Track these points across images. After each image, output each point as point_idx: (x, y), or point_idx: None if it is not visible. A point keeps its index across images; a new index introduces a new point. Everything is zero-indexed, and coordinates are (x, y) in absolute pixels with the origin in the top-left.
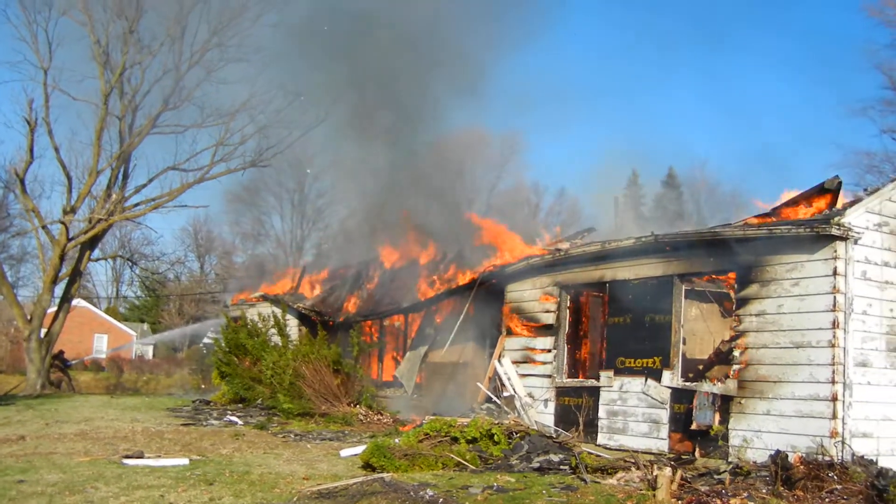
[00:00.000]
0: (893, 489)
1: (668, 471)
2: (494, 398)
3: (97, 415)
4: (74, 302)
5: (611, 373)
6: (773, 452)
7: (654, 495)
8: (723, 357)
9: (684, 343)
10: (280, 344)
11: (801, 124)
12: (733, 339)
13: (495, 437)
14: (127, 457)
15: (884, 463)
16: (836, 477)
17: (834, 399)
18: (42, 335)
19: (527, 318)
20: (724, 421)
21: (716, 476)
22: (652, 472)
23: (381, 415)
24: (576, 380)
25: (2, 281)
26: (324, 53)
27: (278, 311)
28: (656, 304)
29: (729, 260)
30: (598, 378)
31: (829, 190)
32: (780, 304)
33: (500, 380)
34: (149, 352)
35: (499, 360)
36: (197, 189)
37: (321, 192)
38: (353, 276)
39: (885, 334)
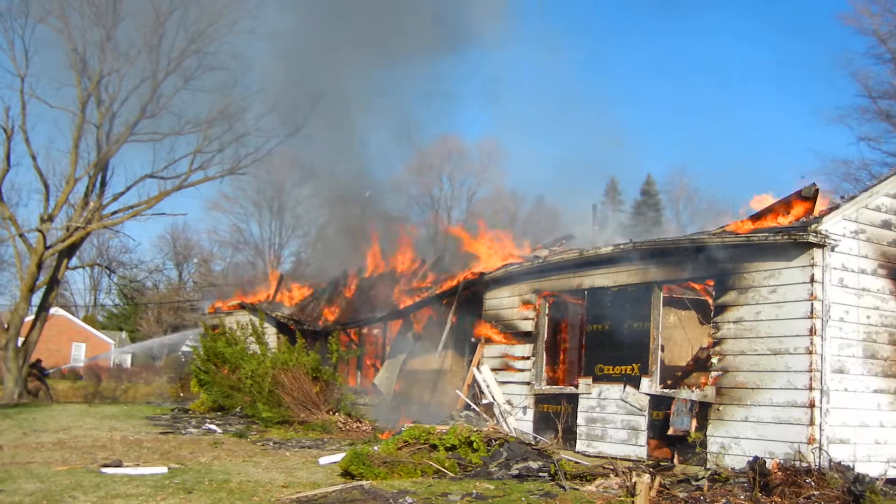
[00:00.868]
0: (870, 495)
1: (646, 477)
2: (473, 405)
3: (75, 423)
4: (52, 310)
5: (589, 380)
6: (751, 459)
7: (633, 502)
8: (701, 364)
9: (662, 350)
10: (259, 352)
11: (779, 132)
12: (711, 346)
13: (474, 445)
14: (105, 465)
15: (860, 469)
16: (813, 483)
17: (811, 406)
18: (19, 344)
19: (505, 325)
20: (703, 427)
21: (694, 482)
22: (630, 479)
23: (361, 422)
24: (554, 387)
25: None
26: (301, 60)
27: (256, 320)
28: (635, 312)
29: (707, 267)
30: (576, 385)
31: (806, 197)
32: (757, 311)
33: (479, 387)
34: (127, 360)
35: (478, 368)
36: (175, 197)
37: (300, 200)
38: (331, 285)
39: (861, 341)
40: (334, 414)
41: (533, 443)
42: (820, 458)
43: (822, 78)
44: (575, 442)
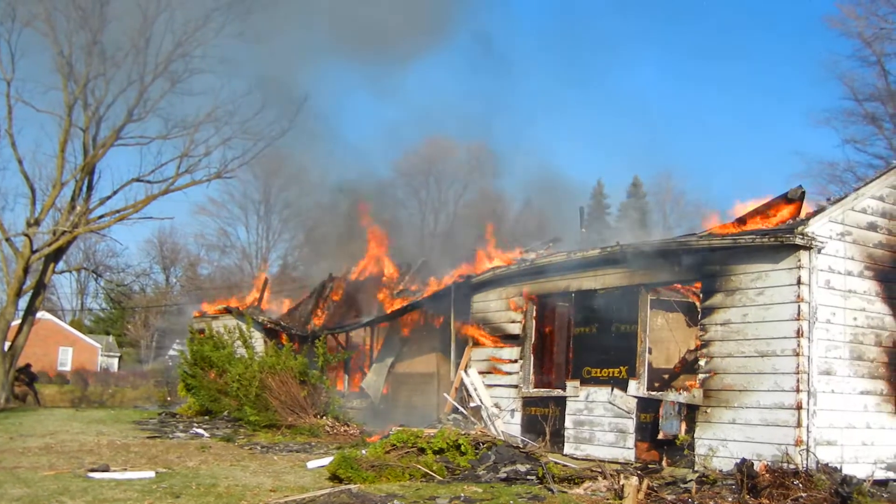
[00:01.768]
0: (857, 496)
1: (634, 480)
2: (461, 408)
3: (62, 428)
4: (39, 315)
5: (577, 383)
6: (738, 461)
7: None
8: (688, 366)
9: (650, 352)
10: (246, 356)
11: (765, 134)
12: (699, 348)
13: (462, 448)
14: (92, 470)
15: (847, 470)
16: (800, 484)
17: (798, 407)
18: (6, 348)
19: (493, 328)
20: (690, 430)
21: (682, 485)
22: (619, 482)
23: (349, 426)
24: (542, 390)
25: None
26: (287, 63)
27: (243, 325)
28: (622, 314)
29: (694, 269)
30: (564, 388)
31: (792, 200)
32: (744, 314)
33: (467, 390)
34: (114, 364)
35: (465, 371)
36: (162, 201)
37: (287, 204)
38: (318, 289)
39: (848, 343)
40: (322, 418)
41: (521, 446)
42: (807, 459)
43: (809, 81)
44: (563, 445)
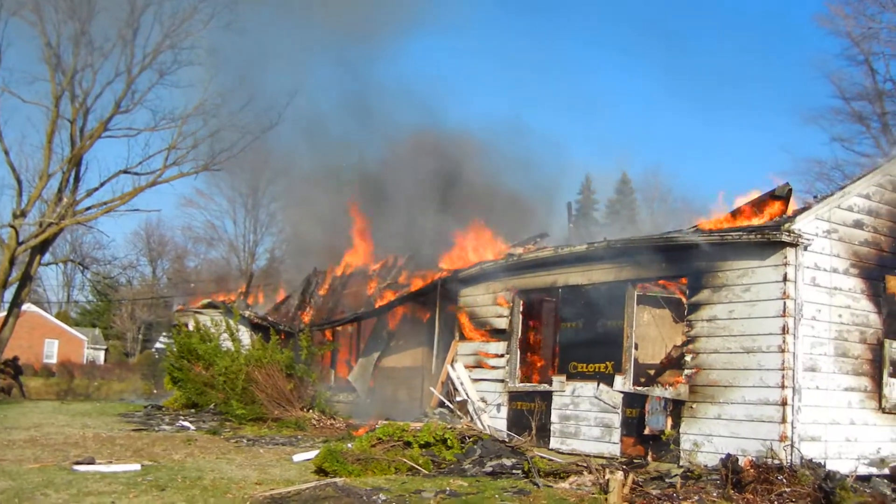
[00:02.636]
0: (840, 492)
1: (619, 475)
2: (447, 403)
3: (47, 421)
4: (24, 307)
5: (563, 377)
6: (723, 456)
7: (606, 499)
8: (674, 362)
9: (636, 348)
10: (232, 349)
11: (753, 131)
12: (685, 344)
13: (448, 442)
14: (77, 463)
15: (831, 466)
16: (784, 480)
17: (783, 403)
18: None
19: (480, 322)
20: (676, 425)
21: (667, 479)
22: (604, 476)
23: (335, 419)
24: (528, 384)
25: None
26: (277, 55)
27: (231, 319)
28: (608, 310)
29: (681, 265)
30: (550, 383)
31: (779, 197)
32: (731, 310)
33: (453, 384)
34: (100, 357)
35: (452, 365)
36: (149, 193)
37: (275, 197)
38: (304, 283)
39: (833, 339)
40: (308, 411)
41: (507, 440)
42: (792, 455)
43: (797, 79)
44: (549, 439)
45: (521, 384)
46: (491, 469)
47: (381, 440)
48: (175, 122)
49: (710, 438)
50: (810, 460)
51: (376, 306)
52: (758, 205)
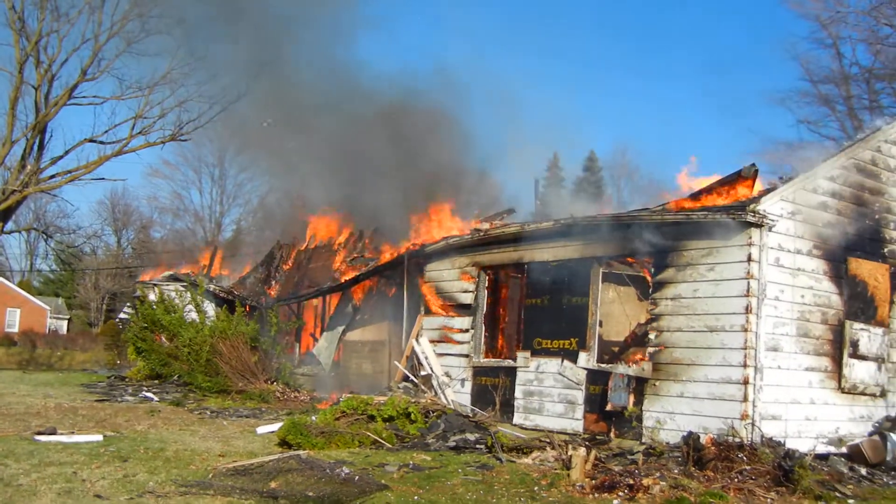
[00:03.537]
0: (799, 470)
1: (582, 451)
2: (412, 377)
3: (8, 390)
4: None
5: (528, 353)
6: (685, 434)
7: (569, 475)
8: (638, 340)
9: (601, 325)
10: (197, 320)
11: (720, 111)
12: (649, 322)
13: (412, 416)
14: (39, 433)
15: (791, 444)
16: (745, 458)
17: (745, 382)
18: None
19: (445, 297)
20: (639, 402)
21: (629, 456)
22: (567, 452)
23: (299, 392)
24: (493, 360)
25: None
26: (244, 26)
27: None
28: (574, 287)
29: (646, 244)
30: (514, 358)
31: (745, 177)
32: (695, 289)
33: (418, 359)
34: (63, 326)
35: (417, 339)
36: (115, 162)
37: (241, 167)
38: (268, 257)
39: (795, 320)
40: (272, 383)
41: (471, 415)
42: (752, 433)
43: (766, 60)
44: (512, 415)
45: (486, 359)
46: (454, 444)
47: (345, 413)
48: (142, 91)
49: (672, 416)
50: (770, 439)
51: (342, 280)
52: (724, 185)
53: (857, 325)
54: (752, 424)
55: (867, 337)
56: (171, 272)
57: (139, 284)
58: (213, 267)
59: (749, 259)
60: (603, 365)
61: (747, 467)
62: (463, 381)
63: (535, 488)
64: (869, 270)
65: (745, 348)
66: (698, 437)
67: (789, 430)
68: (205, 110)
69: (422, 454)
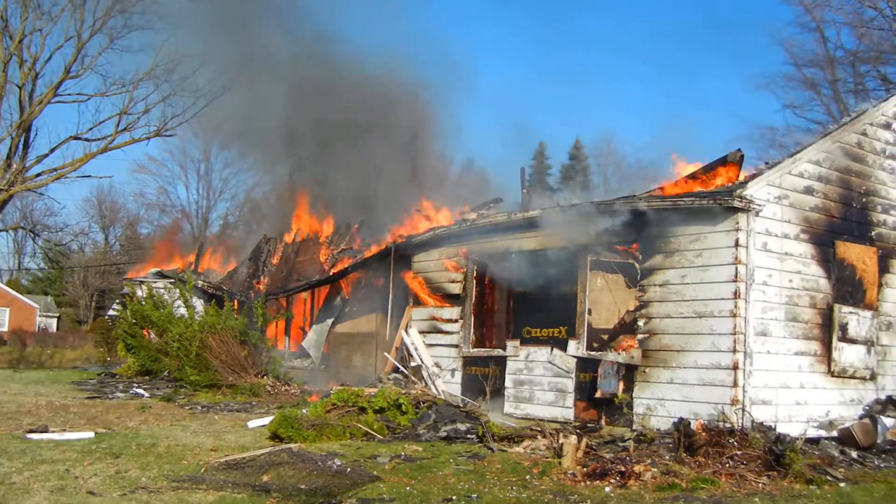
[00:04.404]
0: (790, 454)
1: (573, 438)
2: (402, 368)
3: None
4: None
5: (517, 342)
6: (675, 420)
7: (560, 462)
8: (628, 327)
9: (590, 313)
10: (187, 315)
11: (705, 98)
12: (638, 308)
13: (403, 407)
14: (31, 431)
15: (781, 429)
16: (736, 443)
17: (735, 368)
18: None
19: (434, 288)
20: (629, 389)
21: (620, 443)
22: (558, 440)
23: (289, 385)
24: (483, 349)
25: None
26: (228, 21)
27: (184, 284)
28: (562, 275)
29: (634, 231)
30: (504, 348)
31: (731, 163)
32: (683, 275)
33: (408, 350)
34: (53, 325)
35: (406, 331)
36: (100, 159)
37: (227, 162)
38: (255, 251)
39: (784, 304)
40: (263, 377)
41: (461, 405)
42: (743, 418)
43: (751, 45)
44: (503, 404)
45: (476, 349)
46: (445, 434)
47: (336, 406)
48: (126, 88)
49: (662, 402)
50: (761, 423)
51: (331, 273)
52: (710, 171)
53: (846, 309)
54: (743, 409)
55: (856, 320)
56: (157, 269)
57: (126, 281)
58: (201, 262)
59: (736, 244)
60: (592, 353)
61: (738, 452)
62: (453, 371)
63: (527, 477)
64: (857, 254)
65: (734, 333)
66: (689, 423)
67: (780, 414)
68: (189, 105)
69: (413, 445)
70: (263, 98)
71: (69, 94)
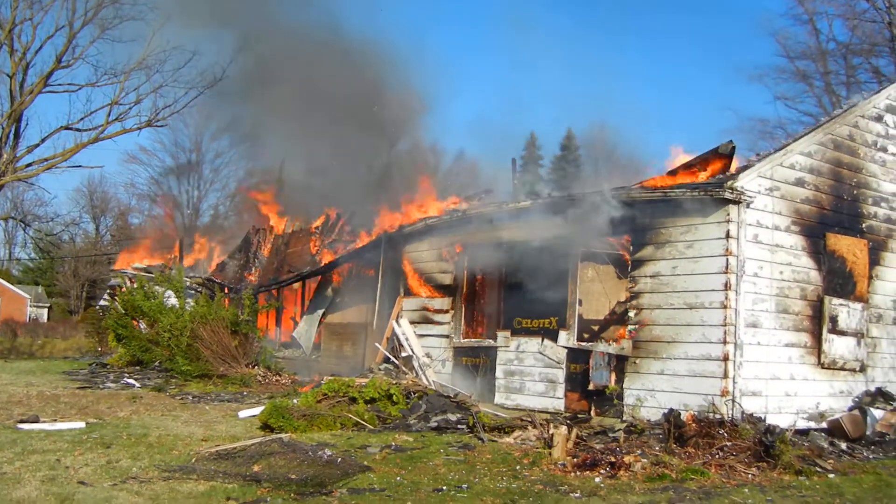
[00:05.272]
0: (780, 444)
1: (563, 429)
2: (393, 358)
3: None
4: None
5: (508, 333)
6: (666, 411)
7: (551, 453)
8: (618, 318)
9: (580, 304)
10: (177, 305)
11: (697, 90)
12: (629, 300)
13: (394, 398)
14: (22, 421)
15: (771, 420)
16: (726, 434)
17: (725, 359)
18: None
19: (425, 278)
20: (620, 380)
21: (611, 434)
22: (548, 431)
23: (280, 376)
24: (473, 340)
25: None
26: (220, 13)
27: (174, 273)
28: (553, 265)
29: (625, 222)
30: (495, 338)
31: (723, 154)
32: (674, 266)
33: (399, 340)
34: (44, 315)
35: (397, 321)
36: (91, 149)
37: (218, 153)
38: (244, 242)
39: (774, 296)
40: (254, 367)
41: (452, 396)
42: (733, 409)
43: (743, 37)
44: (494, 395)
45: (466, 340)
46: (436, 424)
47: (327, 396)
48: (117, 78)
49: (653, 393)
50: (751, 415)
51: (322, 264)
52: (701, 162)
53: (837, 301)
54: (733, 401)
55: (846, 312)
56: (143, 265)
57: (115, 273)
58: (189, 255)
59: (727, 236)
60: (583, 343)
61: (728, 443)
62: (444, 361)
63: (517, 467)
64: (847, 246)
65: (725, 325)
66: (679, 414)
67: (770, 405)
68: (181, 96)
69: (404, 435)
70: (253, 91)
71: (60, 84)
